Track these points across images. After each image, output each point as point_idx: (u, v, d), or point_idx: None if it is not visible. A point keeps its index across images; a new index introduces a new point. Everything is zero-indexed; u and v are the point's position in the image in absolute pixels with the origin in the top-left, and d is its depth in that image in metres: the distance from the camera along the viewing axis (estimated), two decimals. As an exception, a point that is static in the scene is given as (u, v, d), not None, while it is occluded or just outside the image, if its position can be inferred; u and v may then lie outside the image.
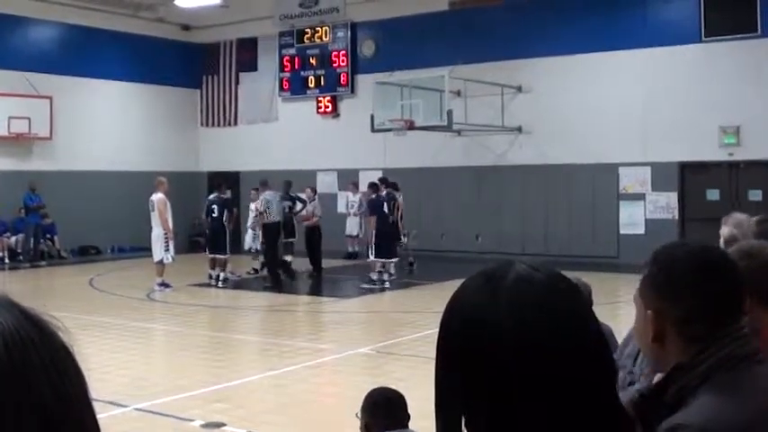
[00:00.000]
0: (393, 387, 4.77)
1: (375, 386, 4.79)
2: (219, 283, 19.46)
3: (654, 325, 1.90)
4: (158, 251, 18.52)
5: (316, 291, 20.50)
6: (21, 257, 24.68)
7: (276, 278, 19.43)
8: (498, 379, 1.25)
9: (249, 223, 21.90)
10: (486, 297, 1.30)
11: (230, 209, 20.12)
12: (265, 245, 19.63)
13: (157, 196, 18.52)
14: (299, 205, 22.37)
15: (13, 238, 24.84)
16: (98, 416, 0.94)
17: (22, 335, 0.87)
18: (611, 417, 1.32)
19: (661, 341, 1.91)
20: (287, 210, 22.23)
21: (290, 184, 22.61)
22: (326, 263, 22.23)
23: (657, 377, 2.17)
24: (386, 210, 19.12)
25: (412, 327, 14.09)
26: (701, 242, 2.05)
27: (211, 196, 20.26)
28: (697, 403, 1.76)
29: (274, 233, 19.40)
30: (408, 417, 4.47)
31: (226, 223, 19.78)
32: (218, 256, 19.71)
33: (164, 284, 18.67)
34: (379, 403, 4.45)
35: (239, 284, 20.13)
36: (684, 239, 2.38)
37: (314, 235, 21.84)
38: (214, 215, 19.69)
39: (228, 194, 20.52)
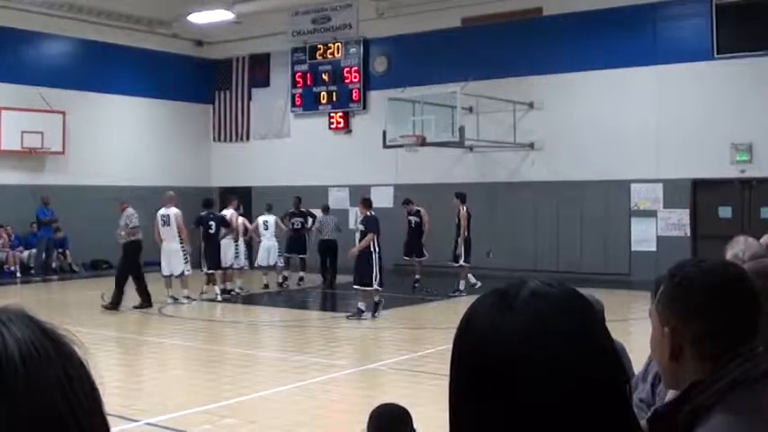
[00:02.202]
0: (404, 403, 4.76)
1: (385, 402, 4.77)
2: (221, 296, 19.59)
3: (671, 342, 1.89)
4: (179, 264, 18.65)
5: (328, 306, 20.52)
6: (33, 271, 24.77)
7: (147, 296, 18.26)
8: (513, 396, 1.25)
9: (269, 237, 21.81)
10: (501, 313, 1.29)
11: (226, 225, 20.16)
12: (129, 264, 18.33)
13: (173, 211, 18.66)
14: (310, 221, 22.47)
15: (26, 253, 24.92)
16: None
17: (39, 349, 0.87)
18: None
19: (678, 359, 1.89)
20: (298, 225, 22.31)
21: (299, 200, 22.67)
22: (338, 278, 22.26)
23: (670, 394, 2.16)
24: None
25: (423, 343, 14.07)
26: (718, 259, 2.04)
27: (205, 212, 20.01)
28: (711, 423, 1.73)
29: (138, 251, 18.41)
30: (414, 432, 4.47)
31: (221, 239, 19.85)
32: (218, 271, 19.82)
33: (189, 297, 19.03)
34: (383, 419, 4.44)
35: (250, 300, 20.14)
36: (701, 257, 2.33)
37: (327, 250, 21.99)
38: (211, 231, 19.68)
39: (230, 210, 20.49)
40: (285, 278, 22.08)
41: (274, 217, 21.91)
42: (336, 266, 22.10)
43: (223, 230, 19.89)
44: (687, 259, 2.08)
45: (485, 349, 1.28)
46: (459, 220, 20.15)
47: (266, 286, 21.51)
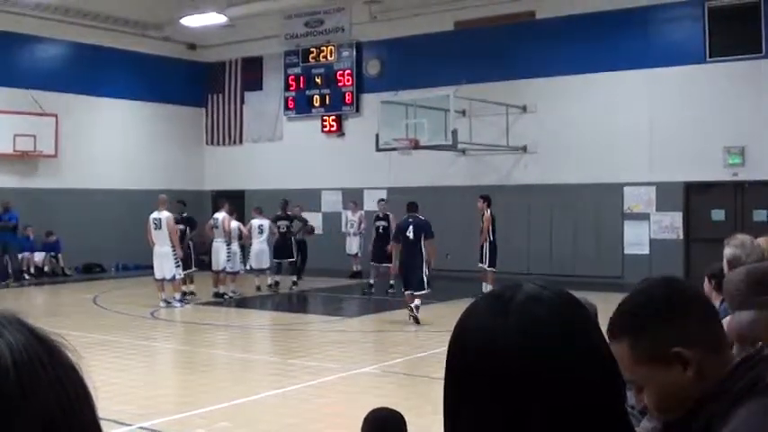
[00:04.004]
0: (398, 406, 4.75)
1: (379, 406, 4.76)
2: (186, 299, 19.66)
3: (692, 362, 1.83)
4: (170, 268, 18.64)
5: (320, 310, 20.50)
6: (25, 275, 24.70)
7: None
8: (509, 399, 1.25)
9: (262, 240, 21.71)
10: (496, 317, 1.29)
11: (194, 227, 20.42)
12: None
13: (165, 214, 18.67)
14: (297, 224, 22.54)
15: (19, 256, 24.81)
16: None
17: (31, 353, 0.87)
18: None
19: (697, 377, 1.85)
20: (284, 229, 22.29)
21: (286, 203, 22.64)
22: (332, 282, 22.23)
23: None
24: None
25: (417, 346, 14.06)
26: (663, 277, 2.01)
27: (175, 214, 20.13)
28: (733, 425, 1.71)
29: None
30: (408, 436, 4.46)
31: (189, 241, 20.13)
32: (187, 272, 19.92)
33: (182, 300, 19.05)
34: (377, 424, 4.42)
35: (243, 303, 20.13)
36: (647, 278, 2.28)
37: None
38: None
39: (223, 214, 20.57)
40: (276, 282, 22.03)
41: (269, 221, 21.89)
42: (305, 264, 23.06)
43: (215, 232, 20.04)
44: (642, 286, 1.99)
45: (481, 353, 1.28)
46: (484, 223, 19.75)
47: (258, 288, 21.52)
